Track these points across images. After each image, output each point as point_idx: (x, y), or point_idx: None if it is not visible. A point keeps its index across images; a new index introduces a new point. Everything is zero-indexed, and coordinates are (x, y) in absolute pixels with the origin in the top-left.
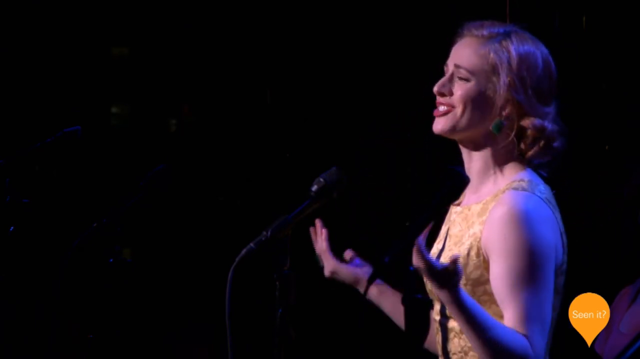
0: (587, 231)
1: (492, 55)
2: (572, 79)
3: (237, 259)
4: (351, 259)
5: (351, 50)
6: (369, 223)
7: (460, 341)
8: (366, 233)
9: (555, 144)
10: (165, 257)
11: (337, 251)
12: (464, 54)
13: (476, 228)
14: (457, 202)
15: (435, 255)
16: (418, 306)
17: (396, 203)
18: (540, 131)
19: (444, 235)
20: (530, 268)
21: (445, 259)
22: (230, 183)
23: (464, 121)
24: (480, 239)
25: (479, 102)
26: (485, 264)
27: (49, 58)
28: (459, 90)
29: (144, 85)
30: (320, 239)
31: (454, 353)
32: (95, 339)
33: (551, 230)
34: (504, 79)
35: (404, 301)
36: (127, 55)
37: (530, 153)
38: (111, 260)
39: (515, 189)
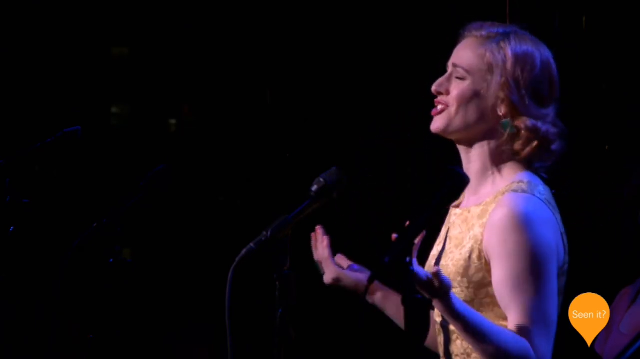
0: (587, 231)
1: (488, 55)
2: (572, 79)
3: (237, 259)
4: (347, 267)
5: (351, 51)
6: (369, 223)
7: (462, 342)
8: (366, 233)
9: (554, 147)
10: (165, 257)
11: (336, 252)
12: (462, 53)
13: (477, 231)
14: (456, 204)
15: (435, 257)
16: (418, 306)
17: (396, 203)
18: (533, 132)
19: (444, 237)
20: (531, 271)
21: (446, 261)
22: (230, 183)
23: (458, 119)
24: (481, 241)
25: (473, 101)
26: (487, 266)
27: (49, 58)
28: (455, 89)
29: (144, 85)
30: (322, 247)
31: (457, 355)
32: (95, 339)
33: (552, 231)
34: (498, 78)
35: (404, 301)
36: (127, 55)
37: (524, 154)
38: (111, 260)
39: (515, 190)
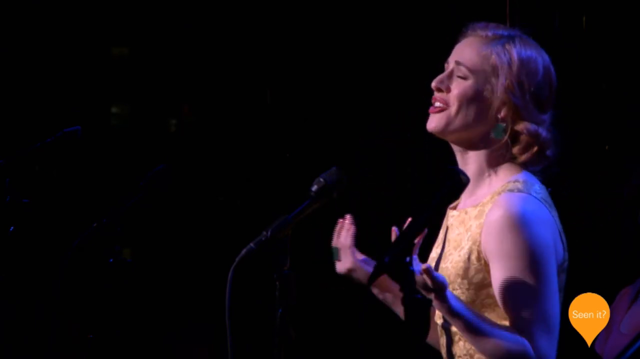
0: (587, 231)
1: (493, 56)
2: (572, 79)
3: (237, 259)
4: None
5: (351, 51)
6: (369, 223)
7: (465, 343)
8: (366, 233)
9: (548, 152)
10: (165, 257)
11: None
12: (465, 52)
13: (475, 232)
14: (453, 205)
15: (435, 260)
16: (418, 306)
17: (396, 203)
18: (534, 137)
19: (442, 239)
20: (529, 270)
21: (445, 263)
22: (230, 183)
23: (458, 119)
24: (479, 243)
25: (474, 102)
26: (486, 267)
27: (49, 58)
28: (456, 88)
29: (144, 85)
30: (348, 234)
31: (460, 356)
32: (95, 339)
33: (549, 230)
34: (502, 81)
35: (404, 301)
36: (127, 55)
37: (522, 158)
38: (111, 260)
39: (511, 190)
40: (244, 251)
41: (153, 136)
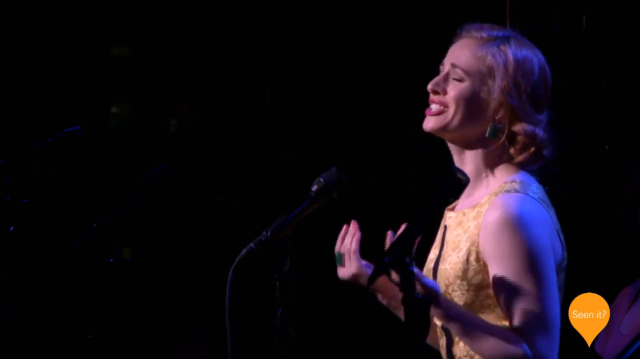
0: (587, 231)
1: (489, 57)
2: (572, 79)
3: (237, 259)
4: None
5: (351, 51)
6: (369, 223)
7: (465, 344)
8: (366, 233)
9: (545, 152)
10: (165, 257)
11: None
12: (461, 54)
13: (473, 233)
14: (451, 207)
15: (433, 261)
16: (418, 306)
17: (396, 203)
18: (531, 137)
19: (440, 241)
20: (528, 271)
21: (444, 265)
22: (230, 183)
23: (455, 121)
24: (478, 244)
25: (471, 104)
26: (485, 268)
27: (49, 58)
28: (453, 90)
29: (144, 85)
30: (353, 239)
31: (460, 357)
32: (95, 339)
33: (546, 230)
34: (499, 82)
35: (404, 301)
36: (127, 55)
37: (519, 158)
38: (111, 260)
39: (508, 191)
40: (244, 251)
41: (153, 136)
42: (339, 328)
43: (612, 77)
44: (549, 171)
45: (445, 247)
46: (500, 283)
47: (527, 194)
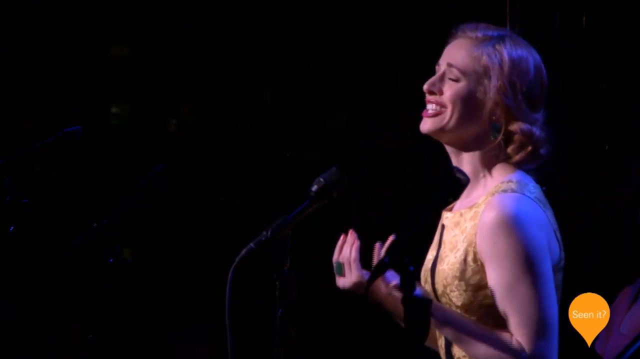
0: (587, 231)
1: (484, 57)
2: (572, 79)
3: (237, 259)
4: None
5: (351, 51)
6: (369, 223)
7: (460, 349)
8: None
9: (542, 151)
10: (165, 257)
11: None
12: (456, 54)
13: (470, 233)
14: (448, 207)
15: (431, 262)
16: (418, 306)
17: (396, 203)
18: (528, 137)
19: (438, 241)
20: (524, 272)
21: (441, 265)
22: (230, 183)
23: (452, 121)
24: (475, 244)
25: (468, 103)
26: (483, 268)
27: (49, 58)
28: (449, 90)
29: (144, 85)
30: (353, 248)
31: (459, 358)
32: (95, 339)
33: (542, 230)
34: (494, 82)
35: (404, 301)
36: (127, 55)
37: (516, 158)
38: (111, 260)
39: (504, 191)
40: (244, 251)
41: (153, 136)
42: (339, 328)
43: (612, 77)
44: (546, 170)
45: (442, 248)
46: (496, 283)
47: (524, 194)
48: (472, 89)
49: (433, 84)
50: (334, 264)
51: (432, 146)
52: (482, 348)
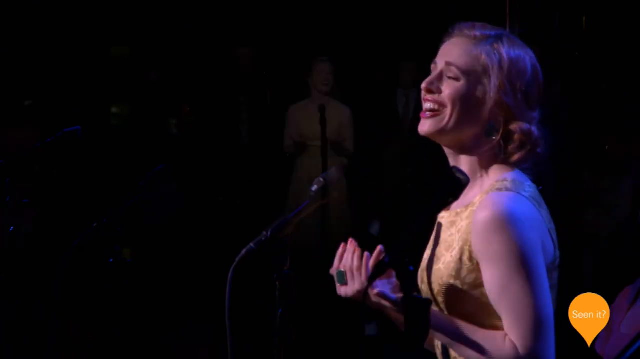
0: (587, 231)
1: (483, 56)
2: (572, 79)
3: (237, 259)
4: None
5: (351, 51)
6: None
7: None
8: (366, 233)
9: (539, 150)
10: (165, 257)
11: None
12: (455, 53)
13: (465, 232)
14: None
15: (426, 262)
16: (418, 306)
17: (396, 203)
18: (527, 136)
19: (434, 241)
20: (517, 270)
21: (438, 265)
22: (230, 183)
23: (452, 121)
24: (470, 243)
25: (467, 103)
26: (478, 267)
27: (49, 58)
28: (449, 89)
29: (144, 86)
30: (354, 256)
31: (455, 358)
32: (95, 339)
33: (536, 228)
34: (494, 81)
35: (404, 301)
36: (127, 55)
37: (516, 157)
38: (111, 260)
39: (499, 189)
40: (244, 251)
41: (153, 136)
42: (338, 328)
43: (612, 77)
44: (540, 169)
45: (438, 247)
46: (491, 283)
47: (518, 193)
48: (471, 88)
49: (431, 83)
50: (335, 273)
51: (432, 146)
52: (474, 353)
